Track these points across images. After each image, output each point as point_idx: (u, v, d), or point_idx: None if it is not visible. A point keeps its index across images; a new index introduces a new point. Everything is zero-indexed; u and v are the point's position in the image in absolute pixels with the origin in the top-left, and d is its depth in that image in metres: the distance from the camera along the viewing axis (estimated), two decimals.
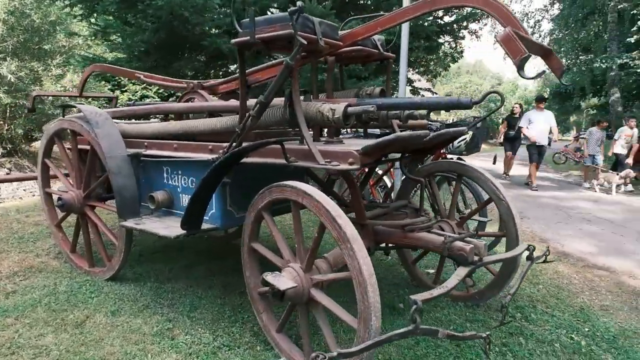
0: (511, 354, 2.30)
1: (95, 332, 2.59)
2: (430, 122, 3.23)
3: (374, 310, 1.75)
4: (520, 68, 1.75)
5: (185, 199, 2.96)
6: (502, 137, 9.72)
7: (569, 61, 19.47)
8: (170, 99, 7.12)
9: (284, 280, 1.95)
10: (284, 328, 2.37)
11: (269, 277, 1.97)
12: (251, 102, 2.44)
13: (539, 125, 8.54)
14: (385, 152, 2.47)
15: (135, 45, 5.55)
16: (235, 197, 2.82)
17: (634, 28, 11.47)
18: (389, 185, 4.78)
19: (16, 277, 3.44)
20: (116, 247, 3.18)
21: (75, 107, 3.22)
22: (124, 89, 7.56)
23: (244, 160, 2.37)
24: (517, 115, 9.45)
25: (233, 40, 2.32)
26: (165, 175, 3.07)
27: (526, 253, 2.43)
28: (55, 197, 3.84)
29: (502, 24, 1.93)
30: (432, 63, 14.26)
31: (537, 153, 8.72)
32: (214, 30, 5.66)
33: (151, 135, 3.11)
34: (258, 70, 2.96)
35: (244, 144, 2.30)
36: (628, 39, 12.12)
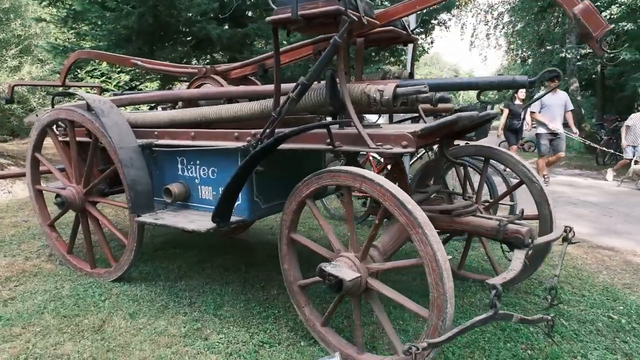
0: (559, 336, 2.29)
1: (119, 337, 2.39)
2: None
3: (449, 298, 1.68)
4: (601, 42, 1.71)
5: (204, 191, 2.78)
6: (504, 128, 8.27)
7: (529, 52, 20.18)
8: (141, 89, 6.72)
9: (346, 271, 1.84)
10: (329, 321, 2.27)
11: (329, 267, 1.86)
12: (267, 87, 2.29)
13: (554, 109, 7.27)
14: (440, 135, 2.39)
15: (116, 32, 5.19)
16: (261, 187, 2.67)
17: None
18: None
19: (10, 283, 3.15)
20: (126, 245, 2.96)
21: (75, 95, 2.95)
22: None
23: (282, 146, 2.23)
24: (520, 102, 8.03)
25: (269, 18, 2.16)
26: (179, 166, 2.87)
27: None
28: (44, 193, 3.55)
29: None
30: (403, 53, 14.43)
31: (550, 142, 7.38)
32: (199, 16, 5.38)
33: (162, 124, 2.90)
34: (282, 52, 2.81)
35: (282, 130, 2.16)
36: None
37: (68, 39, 6.64)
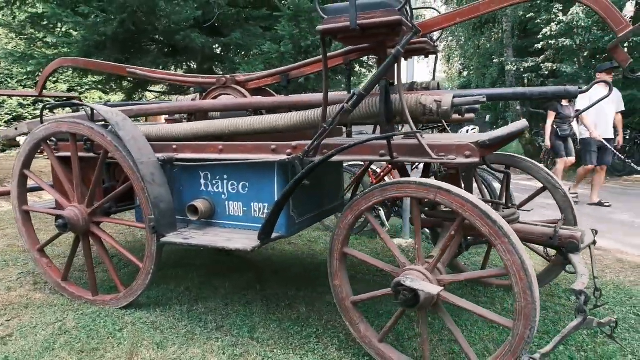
0: (601, 336, 2.39)
1: None
2: None
3: (537, 307, 1.69)
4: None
5: (233, 207, 2.63)
6: (550, 136, 6.72)
7: (466, 64, 21.57)
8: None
9: (427, 285, 1.80)
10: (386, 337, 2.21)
11: (408, 281, 1.81)
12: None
13: (606, 110, 5.97)
14: (505, 145, 2.39)
15: (90, 39, 4.81)
16: (296, 202, 2.58)
17: (540, 35, 12.92)
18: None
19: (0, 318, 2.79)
20: (141, 268, 2.73)
21: (84, 105, 2.69)
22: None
23: (335, 158, 2.16)
24: (567, 103, 6.63)
25: (321, 27, 2.09)
26: (202, 181, 2.70)
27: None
28: (28, 214, 3.20)
29: (612, 27, 1.97)
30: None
31: (599, 151, 6.15)
32: (181, 24, 5.15)
33: (182, 137, 2.72)
34: (310, 64, 2.74)
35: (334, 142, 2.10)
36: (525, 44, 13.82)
37: (34, 46, 6.09)
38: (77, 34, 5.04)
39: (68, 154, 2.94)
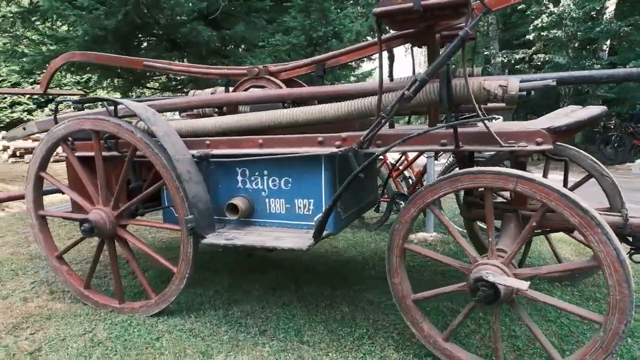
0: None
1: None
2: None
3: (632, 300, 1.60)
4: None
5: (274, 204, 2.48)
6: None
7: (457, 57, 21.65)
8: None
9: (514, 280, 1.70)
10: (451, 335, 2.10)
11: (491, 276, 1.70)
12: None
13: None
14: (577, 131, 2.28)
15: (91, 32, 4.57)
16: (343, 197, 2.44)
17: (531, 27, 13.00)
18: (409, 176, 4.67)
19: (22, 332, 2.60)
20: (175, 272, 2.56)
21: (113, 101, 2.50)
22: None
23: (394, 149, 2.04)
24: None
25: (378, 9, 1.96)
26: (239, 178, 2.55)
27: None
28: (45, 219, 3.00)
29: None
30: None
31: None
32: (184, 17, 4.95)
33: (215, 132, 2.56)
34: (347, 52, 2.61)
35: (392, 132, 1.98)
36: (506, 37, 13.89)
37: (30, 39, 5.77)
38: (74, 29, 4.76)
39: (85, 153, 2.76)
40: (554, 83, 1.92)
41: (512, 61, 14.72)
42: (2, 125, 15.74)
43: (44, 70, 5.70)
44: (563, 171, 2.65)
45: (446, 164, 4.46)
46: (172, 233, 4.69)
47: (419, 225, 4.57)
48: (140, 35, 5.20)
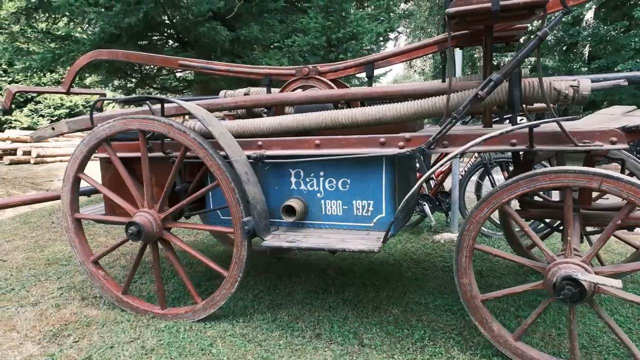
0: None
1: None
2: None
3: None
4: None
5: (330, 206, 2.45)
6: None
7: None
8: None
9: (609, 279, 1.70)
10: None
11: (580, 275, 1.70)
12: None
13: None
14: None
15: (107, 31, 4.43)
16: (401, 198, 2.43)
17: None
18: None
19: (64, 339, 2.50)
20: (226, 276, 2.50)
21: (164, 100, 2.43)
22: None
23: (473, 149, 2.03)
24: None
25: (452, 9, 1.96)
26: (293, 179, 2.51)
27: None
28: (80, 222, 2.89)
29: None
30: None
31: None
32: (199, 17, 4.85)
33: (269, 133, 2.51)
34: (401, 53, 2.60)
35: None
36: None
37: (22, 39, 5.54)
38: (83, 28, 4.62)
39: (123, 154, 2.69)
40: (626, 83, 1.94)
41: (502, 64, 14.99)
42: None
43: (52, 69, 5.53)
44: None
45: (469, 165, 4.49)
46: (200, 236, 4.61)
47: (442, 226, 4.59)
48: (150, 34, 5.08)
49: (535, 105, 2.80)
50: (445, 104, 2.10)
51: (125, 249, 4.14)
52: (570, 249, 1.89)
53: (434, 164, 4.50)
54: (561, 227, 2.94)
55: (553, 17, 2.36)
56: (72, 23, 5.29)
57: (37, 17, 5.29)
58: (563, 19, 12.42)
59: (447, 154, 2.04)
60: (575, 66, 13.30)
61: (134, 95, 3.28)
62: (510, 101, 2.07)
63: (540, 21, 2.07)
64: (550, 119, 1.88)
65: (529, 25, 2.64)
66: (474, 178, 4.44)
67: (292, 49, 5.12)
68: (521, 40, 2.88)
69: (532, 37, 1.84)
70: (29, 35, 6.17)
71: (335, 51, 4.95)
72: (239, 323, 2.63)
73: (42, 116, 16.82)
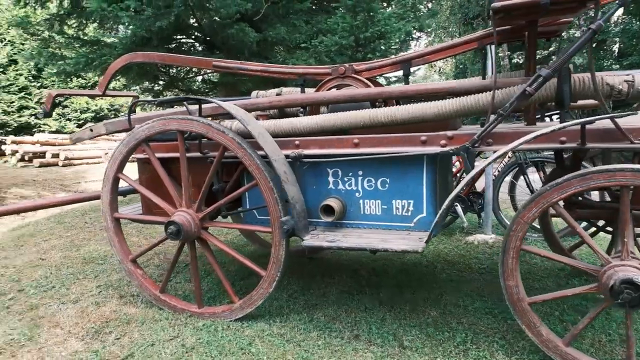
0: None
1: None
2: None
3: None
4: None
5: (369, 206, 2.43)
6: None
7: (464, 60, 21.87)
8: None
9: None
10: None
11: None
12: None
13: None
14: None
15: (139, 34, 4.52)
16: (442, 197, 2.38)
17: None
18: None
19: (106, 336, 2.54)
20: (264, 275, 2.50)
21: (203, 100, 2.45)
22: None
23: (506, 148, 1.98)
24: None
25: (498, 4, 1.91)
26: (331, 179, 2.49)
27: None
28: (119, 221, 2.93)
29: None
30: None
31: None
32: (227, 19, 4.90)
33: (306, 132, 2.50)
34: (440, 50, 2.56)
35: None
36: None
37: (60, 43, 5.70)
38: (132, 29, 4.69)
39: (161, 155, 2.72)
40: None
41: (514, 62, 14.72)
42: (10, 129, 15.58)
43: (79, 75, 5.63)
44: None
45: (502, 166, 4.39)
46: (230, 236, 4.64)
47: (474, 227, 4.51)
48: (178, 37, 5.15)
49: (579, 102, 2.72)
50: (491, 101, 2.04)
51: (158, 248, 4.20)
52: (627, 251, 1.81)
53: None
54: (607, 228, 2.84)
55: (602, 11, 2.28)
56: (102, 29, 5.42)
57: (69, 23, 5.44)
58: (591, 16, 12.15)
59: (494, 151, 1.99)
60: (605, 63, 12.92)
61: (172, 96, 3.32)
62: (559, 97, 2.00)
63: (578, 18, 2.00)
64: (605, 115, 1.81)
65: (573, 19, 2.56)
66: (508, 178, 4.35)
67: (319, 49, 5.11)
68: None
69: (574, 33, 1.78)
70: (60, 40, 6.34)
71: (363, 51, 4.92)
72: (276, 323, 2.62)
73: (69, 120, 17.22)
